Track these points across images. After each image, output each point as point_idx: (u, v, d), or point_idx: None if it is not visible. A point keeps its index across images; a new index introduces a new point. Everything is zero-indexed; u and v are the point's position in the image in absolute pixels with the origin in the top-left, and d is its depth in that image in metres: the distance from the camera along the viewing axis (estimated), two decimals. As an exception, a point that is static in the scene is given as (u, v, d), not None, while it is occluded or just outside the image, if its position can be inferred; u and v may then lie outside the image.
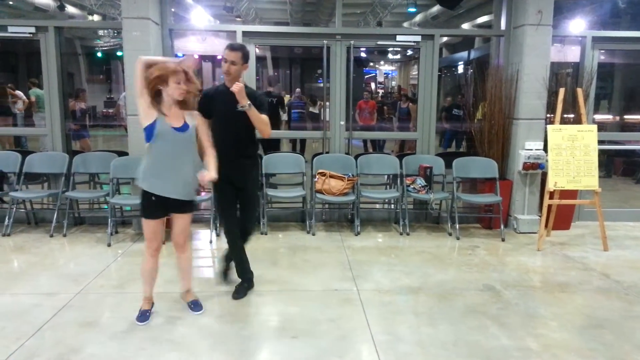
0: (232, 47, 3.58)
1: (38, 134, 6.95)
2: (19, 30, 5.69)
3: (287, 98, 14.01)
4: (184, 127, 3.23)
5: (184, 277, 3.62)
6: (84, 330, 3.25)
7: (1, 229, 5.39)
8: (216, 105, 3.63)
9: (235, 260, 3.90)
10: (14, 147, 8.11)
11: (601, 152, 5.60)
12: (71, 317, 3.43)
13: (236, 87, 3.38)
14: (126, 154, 5.63)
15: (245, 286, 3.89)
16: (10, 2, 12.32)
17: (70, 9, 13.41)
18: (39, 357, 2.92)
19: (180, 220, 3.42)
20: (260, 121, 3.54)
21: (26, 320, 3.37)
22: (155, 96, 3.14)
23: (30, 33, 5.68)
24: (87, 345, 3.06)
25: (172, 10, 5.97)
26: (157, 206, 3.29)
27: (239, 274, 3.91)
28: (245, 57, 3.62)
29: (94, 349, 3.03)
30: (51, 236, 5.30)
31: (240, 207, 3.81)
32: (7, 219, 5.38)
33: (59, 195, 5.45)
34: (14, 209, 5.46)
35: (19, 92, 9.55)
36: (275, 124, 8.48)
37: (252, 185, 3.89)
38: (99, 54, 15.37)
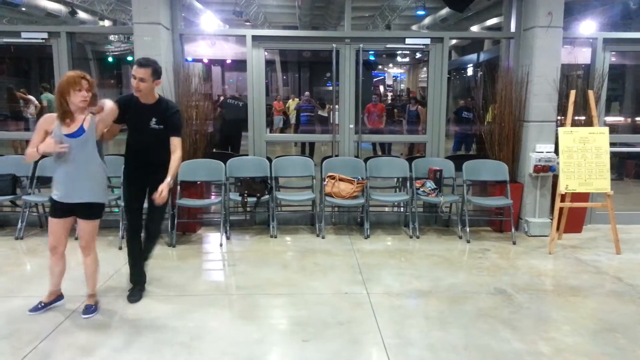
0: (140, 64, 3.52)
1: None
2: (32, 36, 5.76)
3: (295, 102, 14.06)
4: (78, 132, 3.35)
5: (87, 280, 3.65)
6: (95, 333, 3.27)
7: (14, 232, 5.45)
8: (130, 116, 3.66)
9: (130, 262, 3.92)
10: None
11: (613, 155, 5.57)
12: (83, 320, 3.46)
13: (161, 199, 3.50)
14: (137, 157, 5.67)
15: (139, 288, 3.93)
16: (23, 9, 12.49)
17: (81, 15, 13.57)
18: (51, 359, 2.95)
19: (83, 225, 3.51)
20: (175, 167, 3.61)
21: (39, 323, 3.40)
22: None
23: (42, 39, 5.75)
24: (99, 348, 3.08)
25: (182, 15, 6.01)
26: (63, 209, 3.45)
27: (132, 278, 3.93)
28: (156, 73, 3.58)
29: (105, 351, 3.05)
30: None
31: (148, 208, 3.82)
32: (19, 222, 5.44)
33: (71, 199, 5.49)
34: (27, 212, 5.51)
35: (31, 97, 9.65)
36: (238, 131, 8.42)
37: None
38: (110, 59, 15.49)
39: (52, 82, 6.11)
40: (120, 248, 5.08)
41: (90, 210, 3.46)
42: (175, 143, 3.64)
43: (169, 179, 3.53)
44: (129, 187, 3.81)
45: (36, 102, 9.50)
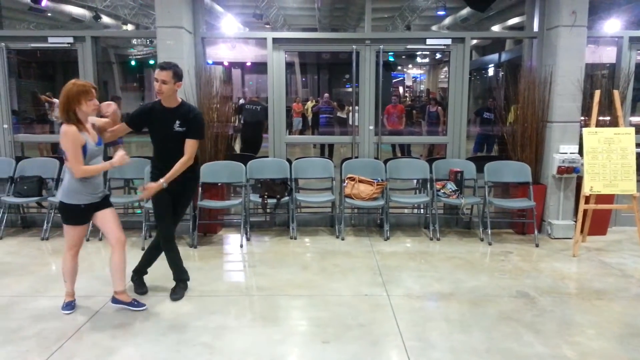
0: (161, 67, 3.62)
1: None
2: (58, 40, 5.89)
3: (311, 103, 14.07)
4: (100, 141, 3.49)
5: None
6: (119, 333, 3.33)
7: (40, 233, 5.57)
8: (153, 123, 3.74)
9: (175, 263, 3.99)
10: (52, 154, 8.38)
11: (639, 156, 5.43)
12: (107, 320, 3.52)
13: (145, 195, 3.67)
14: (159, 159, 5.74)
15: (181, 287, 4.01)
16: (49, 14, 12.78)
17: (105, 19, 13.82)
18: (77, 358, 3.00)
19: (111, 214, 3.65)
20: (176, 170, 3.66)
21: (65, 322, 3.48)
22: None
23: (68, 43, 5.88)
24: (123, 347, 3.14)
25: (205, 19, 6.08)
26: (89, 214, 3.57)
27: (178, 276, 4.02)
28: (177, 76, 3.64)
29: (129, 350, 3.10)
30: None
31: (177, 206, 3.90)
32: (45, 223, 5.56)
33: (95, 200, 5.59)
34: (52, 213, 5.62)
35: (56, 100, 9.85)
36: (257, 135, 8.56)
37: (188, 195, 4.00)
38: (133, 63, 15.76)
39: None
40: (143, 249, 5.15)
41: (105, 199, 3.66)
42: (189, 145, 3.71)
43: (162, 181, 3.62)
44: (158, 193, 3.81)
45: (61, 105, 9.69)
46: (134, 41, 15.50)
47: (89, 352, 3.07)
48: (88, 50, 5.86)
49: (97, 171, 3.48)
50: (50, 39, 5.92)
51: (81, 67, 5.91)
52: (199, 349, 3.12)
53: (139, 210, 6.04)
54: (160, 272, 4.50)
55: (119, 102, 9.12)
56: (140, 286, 4.07)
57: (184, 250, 5.13)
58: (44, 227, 5.54)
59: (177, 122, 3.69)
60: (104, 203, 3.61)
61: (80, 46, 5.88)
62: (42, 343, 3.17)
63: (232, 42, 7.76)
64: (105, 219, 3.60)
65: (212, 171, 5.58)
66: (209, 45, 6.20)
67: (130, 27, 14.41)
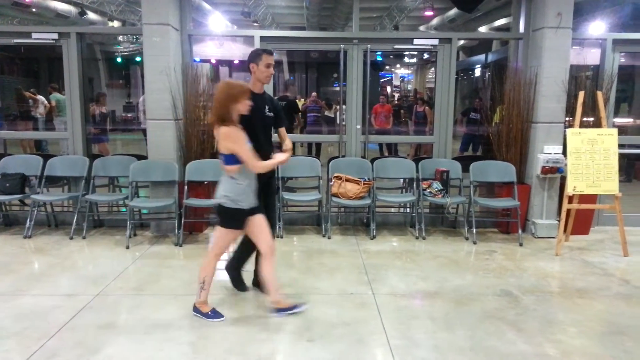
0: (271, 52, 3.64)
1: (59, 138, 7.09)
2: (43, 36, 5.81)
3: (300, 102, 14.05)
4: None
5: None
6: (102, 332, 3.30)
7: (23, 231, 5.49)
8: (253, 111, 3.58)
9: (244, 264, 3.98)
10: (35, 151, 8.28)
11: (621, 156, 5.52)
12: (90, 319, 3.49)
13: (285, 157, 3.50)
14: (145, 157, 5.71)
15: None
16: (34, 10, 12.60)
17: (90, 15, 13.66)
18: (59, 357, 2.97)
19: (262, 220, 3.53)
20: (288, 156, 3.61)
21: (47, 321, 3.43)
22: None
23: (53, 39, 5.80)
24: (106, 346, 3.11)
25: (191, 16, 6.04)
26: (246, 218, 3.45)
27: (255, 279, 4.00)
28: None
29: (113, 350, 3.07)
30: (71, 238, 5.39)
31: (266, 208, 3.76)
32: (28, 221, 5.48)
33: (79, 198, 5.54)
34: (35, 211, 5.56)
35: (40, 97, 9.74)
36: (289, 128, 8.59)
37: (273, 194, 3.99)
38: (119, 59, 15.60)
39: (60, 82, 6.15)
40: (127, 247, 5.11)
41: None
42: (285, 133, 3.78)
43: (289, 155, 3.55)
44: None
45: (45, 102, 9.59)
46: (120, 38, 15.35)
47: (71, 352, 3.03)
48: (73, 47, 5.79)
49: (273, 166, 3.44)
50: (34, 35, 5.84)
51: (66, 63, 5.83)
52: (183, 348, 3.10)
53: (123, 209, 5.99)
54: (146, 271, 4.48)
55: (104, 99, 9.07)
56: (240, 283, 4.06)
57: (168, 249, 5.12)
58: (27, 225, 5.46)
59: (267, 107, 3.69)
60: (258, 208, 3.50)
61: (65, 42, 5.81)
62: (22, 342, 3.13)
63: (219, 39, 7.71)
64: (259, 224, 3.48)
65: (198, 169, 5.55)
66: (196, 43, 6.16)
67: (116, 23, 14.26)
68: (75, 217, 5.50)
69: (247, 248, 3.93)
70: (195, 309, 3.54)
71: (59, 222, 5.95)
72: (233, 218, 3.39)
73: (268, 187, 3.79)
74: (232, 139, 3.21)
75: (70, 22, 13.17)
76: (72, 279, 4.23)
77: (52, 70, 13.14)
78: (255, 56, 3.65)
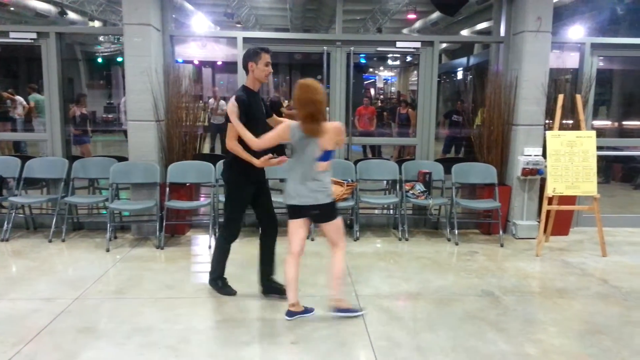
0: (268, 50, 3.64)
1: (38, 139, 6.96)
2: (21, 36, 5.71)
3: (285, 103, 14.02)
4: None
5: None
6: (82, 336, 3.24)
7: (0, 233, 5.38)
8: (253, 111, 3.61)
9: (223, 261, 3.96)
10: (13, 152, 8.12)
11: (600, 158, 5.61)
12: (69, 323, 3.43)
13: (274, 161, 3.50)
14: (125, 159, 5.64)
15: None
16: (12, 9, 12.38)
17: (71, 15, 13.48)
18: (36, 363, 2.92)
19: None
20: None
21: (24, 326, 3.36)
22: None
23: (31, 39, 5.70)
24: (85, 350, 3.06)
25: (173, 16, 5.99)
26: None
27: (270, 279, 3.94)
28: None
29: (92, 354, 3.02)
30: (50, 241, 5.30)
31: (266, 204, 3.90)
32: (6, 223, 5.38)
33: (58, 200, 5.45)
34: (13, 214, 5.45)
35: (18, 97, 9.57)
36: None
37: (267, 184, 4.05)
38: (100, 60, 15.41)
39: (40, 82, 6.05)
40: (107, 250, 5.04)
41: None
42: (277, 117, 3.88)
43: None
44: (246, 188, 3.76)
45: (24, 102, 9.43)
46: (101, 38, 15.17)
47: (48, 357, 2.98)
48: (52, 47, 5.69)
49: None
50: (12, 34, 5.72)
51: (45, 63, 5.73)
52: (163, 352, 3.07)
53: (104, 211, 5.90)
54: (127, 274, 4.42)
55: (84, 100, 8.94)
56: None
57: (150, 252, 5.06)
58: (4, 227, 5.36)
59: (263, 106, 3.74)
60: None
61: (44, 42, 5.71)
62: (-1, 347, 3.07)
63: (202, 40, 7.68)
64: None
65: (180, 171, 5.50)
66: (178, 44, 6.12)
67: (97, 23, 14.09)
68: (55, 220, 5.41)
69: (267, 254, 3.93)
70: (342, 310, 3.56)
71: (38, 225, 5.84)
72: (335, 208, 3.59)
73: (264, 176, 3.87)
74: (341, 133, 3.46)
75: (49, 22, 12.97)
76: (50, 283, 4.16)
77: (31, 70, 12.92)
78: (254, 55, 3.62)
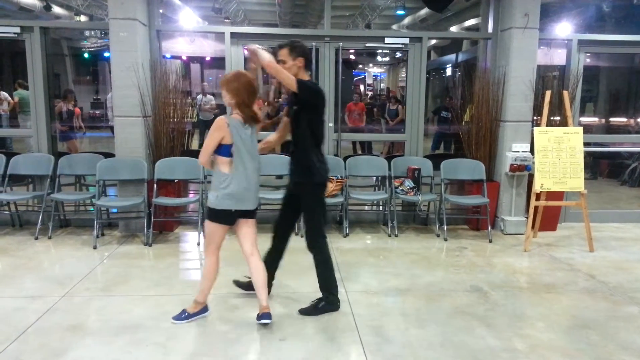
0: (279, 46, 3.45)
1: (23, 135, 6.87)
2: (3, 30, 5.61)
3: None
4: None
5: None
6: (68, 334, 3.21)
7: (-15, 231, 5.31)
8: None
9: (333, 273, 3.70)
10: (-1, 149, 8.00)
11: (587, 154, 5.66)
12: (56, 321, 3.39)
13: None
14: (112, 155, 5.58)
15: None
16: (-5, 2, 12.17)
17: (56, 10, 13.27)
18: (22, 362, 2.88)
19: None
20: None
21: (10, 324, 3.32)
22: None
23: (15, 33, 5.60)
24: (72, 348, 3.02)
25: (160, 11, 5.93)
26: None
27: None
28: (296, 51, 3.40)
29: (79, 352, 2.99)
30: (36, 238, 5.23)
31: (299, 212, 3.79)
32: (-10, 221, 5.31)
33: (44, 197, 5.38)
34: (-2, 211, 5.38)
35: (3, 93, 9.41)
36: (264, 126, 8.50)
37: None
38: (86, 55, 15.24)
39: (26, 78, 5.95)
40: (95, 247, 4.99)
41: None
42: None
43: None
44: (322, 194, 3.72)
45: (9, 98, 9.28)
46: (88, 33, 14.99)
47: (34, 355, 2.94)
48: (37, 42, 5.60)
49: None
50: (-6, 28, 5.64)
51: (29, 59, 5.64)
52: (151, 349, 3.04)
53: (91, 208, 5.84)
54: (115, 271, 4.38)
55: (72, 96, 8.84)
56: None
57: (137, 249, 5.02)
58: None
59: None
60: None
61: (28, 37, 5.62)
62: (-16, 347, 3.02)
63: (190, 36, 7.61)
64: None
65: (168, 167, 5.46)
66: (166, 39, 6.06)
67: (83, 18, 13.90)
68: (41, 217, 5.34)
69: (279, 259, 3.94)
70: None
71: (24, 222, 5.76)
72: None
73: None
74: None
75: (34, 16, 12.77)
76: (37, 280, 4.10)
77: (16, 65, 12.73)
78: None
